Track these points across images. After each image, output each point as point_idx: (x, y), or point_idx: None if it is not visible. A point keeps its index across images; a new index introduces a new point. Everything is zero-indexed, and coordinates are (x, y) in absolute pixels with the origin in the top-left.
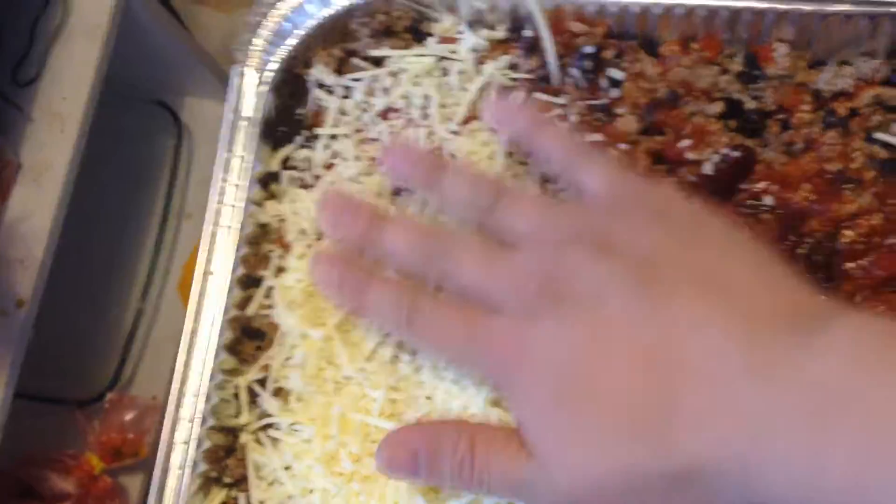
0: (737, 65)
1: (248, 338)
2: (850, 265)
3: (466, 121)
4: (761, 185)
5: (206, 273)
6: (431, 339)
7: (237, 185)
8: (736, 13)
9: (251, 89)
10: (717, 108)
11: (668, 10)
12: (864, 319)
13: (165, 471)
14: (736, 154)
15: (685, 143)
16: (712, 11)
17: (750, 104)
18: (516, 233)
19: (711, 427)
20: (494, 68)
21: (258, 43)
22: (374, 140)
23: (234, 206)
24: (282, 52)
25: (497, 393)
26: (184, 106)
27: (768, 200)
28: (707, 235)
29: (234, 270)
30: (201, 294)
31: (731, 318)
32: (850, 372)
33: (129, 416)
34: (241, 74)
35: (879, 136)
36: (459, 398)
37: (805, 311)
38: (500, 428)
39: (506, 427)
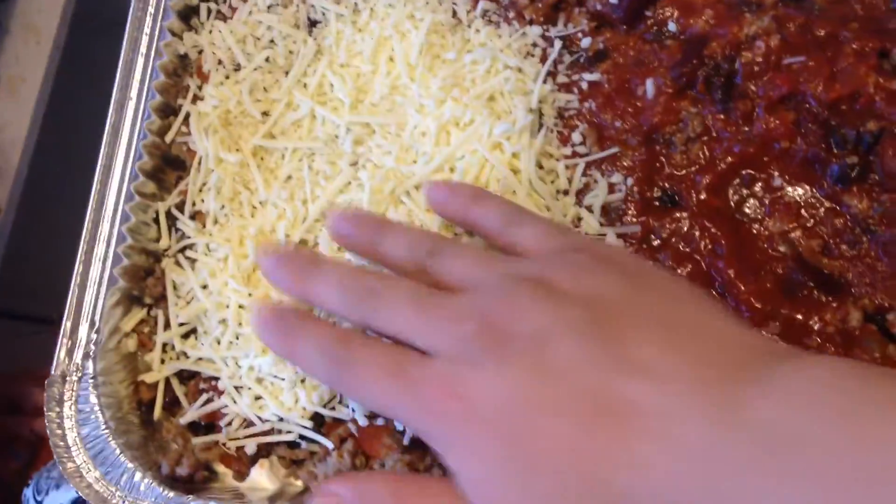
0: None
1: (168, 166)
2: (749, 85)
3: None
4: (665, 12)
5: (125, 98)
6: (361, 389)
7: (153, 15)
8: None
9: None
10: None
11: None
12: (814, 362)
13: (83, 286)
14: None
15: None
16: None
17: None
18: (454, 278)
19: (661, 470)
20: None
21: None
22: None
23: (150, 34)
24: None
25: (432, 444)
26: None
27: (672, 27)
28: (652, 281)
29: (151, 97)
30: (118, 119)
31: (682, 361)
32: (799, 415)
33: None
34: None
35: None
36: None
37: (754, 354)
38: (431, 480)
39: (438, 479)
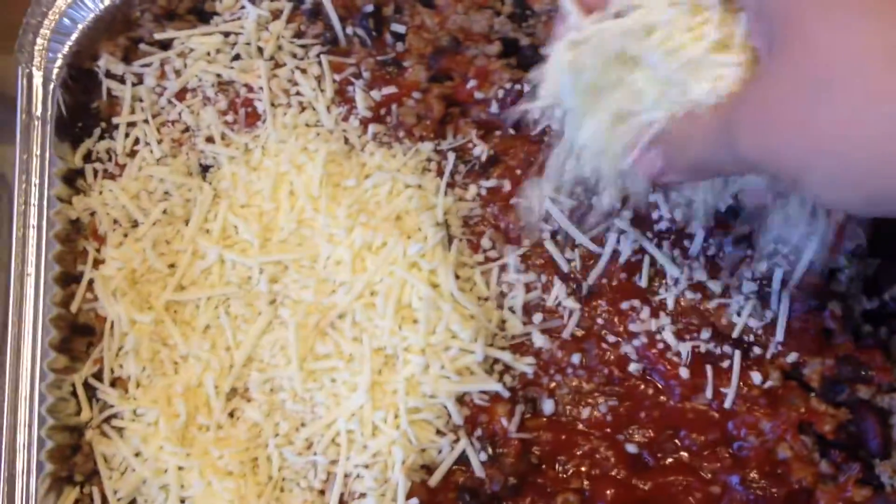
0: (508, 6)
1: (77, 335)
2: None
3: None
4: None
5: (23, 275)
6: None
7: (38, 185)
8: None
9: (40, 89)
10: (496, 48)
11: None
12: None
13: (12, 478)
14: (518, 87)
15: (472, 84)
16: None
17: (525, 41)
18: None
19: None
20: (280, 35)
21: (41, 42)
22: (173, 122)
23: (37, 204)
24: (66, 48)
25: None
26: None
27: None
28: None
29: (49, 269)
30: (19, 297)
31: None
32: None
33: None
34: (28, 76)
35: None
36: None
37: None
38: None
39: None
